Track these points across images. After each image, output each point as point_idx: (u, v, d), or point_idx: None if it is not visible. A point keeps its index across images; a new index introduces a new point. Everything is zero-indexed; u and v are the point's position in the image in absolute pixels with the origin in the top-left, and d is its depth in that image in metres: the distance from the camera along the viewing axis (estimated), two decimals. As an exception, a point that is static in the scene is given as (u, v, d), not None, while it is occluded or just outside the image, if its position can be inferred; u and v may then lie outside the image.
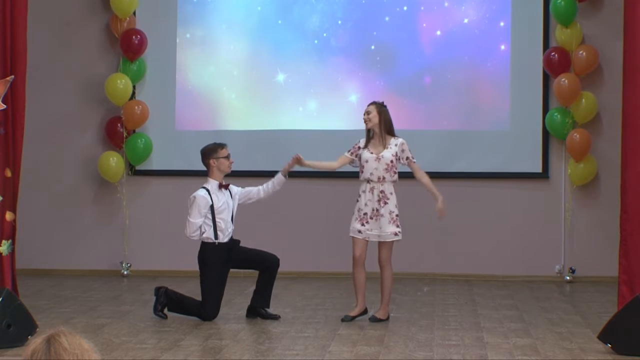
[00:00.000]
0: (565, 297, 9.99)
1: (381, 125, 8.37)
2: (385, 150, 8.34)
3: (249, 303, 8.63)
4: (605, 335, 7.10)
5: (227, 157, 8.54)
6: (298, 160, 8.53)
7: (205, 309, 8.39)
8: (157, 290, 8.65)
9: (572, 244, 11.01)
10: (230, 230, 8.48)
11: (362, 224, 8.28)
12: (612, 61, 10.56)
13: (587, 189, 11.00)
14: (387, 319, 8.42)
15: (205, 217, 8.40)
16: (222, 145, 8.57)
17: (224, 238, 8.42)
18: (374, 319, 8.35)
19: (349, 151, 8.49)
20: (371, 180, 8.31)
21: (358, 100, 11.27)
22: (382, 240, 8.31)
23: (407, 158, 8.38)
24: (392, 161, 8.32)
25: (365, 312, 8.48)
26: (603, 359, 6.92)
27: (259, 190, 8.69)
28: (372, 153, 8.34)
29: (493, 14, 11.16)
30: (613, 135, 9.75)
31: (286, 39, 11.35)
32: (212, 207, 8.40)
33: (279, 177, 8.66)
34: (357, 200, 8.35)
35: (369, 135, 8.43)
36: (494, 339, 7.64)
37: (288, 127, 11.23)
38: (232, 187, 8.60)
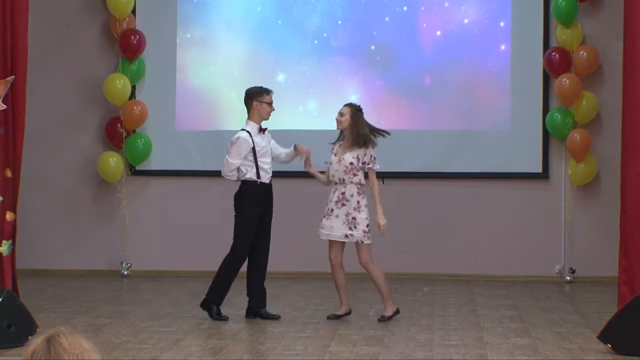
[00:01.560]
0: (565, 297, 9.99)
1: (352, 128, 8.36)
2: (348, 152, 8.34)
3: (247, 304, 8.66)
4: (605, 335, 7.10)
5: (270, 103, 8.62)
6: (307, 158, 8.61)
7: (235, 256, 8.46)
8: (206, 306, 8.57)
9: (572, 244, 11.00)
10: (270, 173, 8.56)
11: (323, 220, 8.39)
12: (612, 61, 10.55)
13: (587, 189, 11.00)
14: (397, 311, 8.42)
15: (246, 159, 8.44)
16: (268, 91, 8.68)
17: (266, 178, 8.49)
18: (384, 319, 8.35)
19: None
20: (335, 182, 8.41)
21: (358, 100, 11.21)
22: (331, 239, 8.35)
23: (364, 163, 8.38)
24: (351, 163, 8.34)
25: (349, 312, 8.49)
26: (603, 359, 6.93)
27: (280, 154, 8.78)
28: (335, 155, 8.44)
29: (493, 14, 11.15)
30: (613, 135, 9.74)
31: (286, 39, 11.35)
32: (253, 149, 8.47)
33: (292, 151, 8.72)
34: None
35: (340, 136, 8.48)
36: (494, 339, 7.64)
37: (288, 127, 11.21)
38: (268, 134, 8.70)
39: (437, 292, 10.19)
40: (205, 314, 8.57)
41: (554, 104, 10.99)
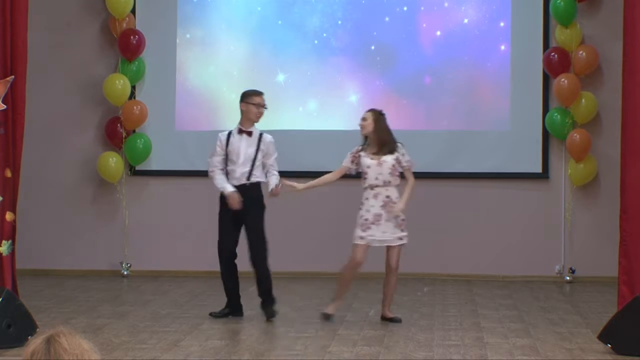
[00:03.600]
0: (565, 297, 9.99)
1: (376, 133, 8.35)
2: (387, 155, 8.33)
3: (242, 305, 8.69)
4: (605, 336, 7.10)
5: (257, 105, 8.59)
6: (291, 188, 8.47)
7: (218, 245, 8.62)
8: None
9: (572, 244, 11.00)
10: (241, 175, 8.51)
11: (364, 230, 8.26)
12: (612, 61, 10.55)
13: (587, 189, 11.00)
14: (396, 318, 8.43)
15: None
16: (257, 93, 8.67)
17: (231, 181, 8.49)
18: (395, 320, 8.36)
19: (348, 160, 8.46)
20: (376, 186, 8.28)
21: (358, 100, 11.27)
22: (388, 244, 8.30)
23: (403, 163, 8.37)
24: (393, 165, 8.31)
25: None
26: (603, 359, 6.93)
27: (269, 180, 8.66)
28: (372, 159, 8.33)
29: (493, 14, 11.15)
30: (613, 135, 9.74)
31: (286, 39, 11.35)
32: (226, 149, 8.55)
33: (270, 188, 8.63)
34: (360, 209, 8.33)
35: (366, 141, 8.43)
36: (494, 339, 7.64)
37: (288, 127, 11.22)
38: (265, 137, 8.62)
39: (437, 292, 10.19)
40: (204, 314, 8.60)
41: (553, 104, 10.99)
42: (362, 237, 8.27)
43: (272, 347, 7.37)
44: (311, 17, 11.35)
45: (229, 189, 8.47)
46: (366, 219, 8.26)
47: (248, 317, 8.59)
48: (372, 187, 8.29)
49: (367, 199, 8.29)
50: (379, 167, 8.28)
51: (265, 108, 8.68)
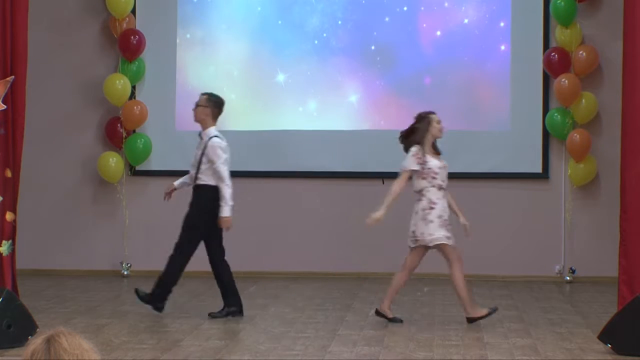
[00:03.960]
0: (565, 297, 9.99)
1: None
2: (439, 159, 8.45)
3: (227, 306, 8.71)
4: (605, 335, 7.10)
5: (195, 106, 8.86)
6: (376, 221, 8.35)
7: None
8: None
9: (572, 244, 11.00)
10: (192, 178, 8.77)
11: (448, 230, 8.32)
12: (612, 61, 10.55)
13: (587, 189, 11.00)
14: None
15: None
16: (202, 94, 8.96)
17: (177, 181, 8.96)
18: (493, 309, 8.43)
19: (413, 162, 8.33)
20: (443, 188, 8.36)
21: (358, 100, 11.27)
22: (452, 245, 8.44)
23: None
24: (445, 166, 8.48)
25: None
26: (603, 359, 6.93)
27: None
28: (439, 162, 8.41)
29: (493, 14, 11.15)
30: (613, 135, 9.74)
31: (286, 39, 11.35)
32: None
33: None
34: (432, 208, 8.26)
35: (434, 144, 8.47)
36: (494, 339, 7.64)
37: (288, 127, 11.22)
38: (211, 142, 8.63)
39: (437, 292, 10.18)
40: (204, 314, 8.60)
41: (553, 104, 10.99)
42: (449, 237, 8.33)
43: (272, 347, 7.37)
44: (311, 17, 11.34)
45: (174, 183, 8.98)
46: (445, 219, 8.31)
47: (248, 317, 8.58)
48: (440, 187, 8.34)
49: (439, 199, 8.31)
50: (444, 170, 8.40)
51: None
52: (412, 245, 8.36)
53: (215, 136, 8.61)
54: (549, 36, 11.02)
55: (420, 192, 8.28)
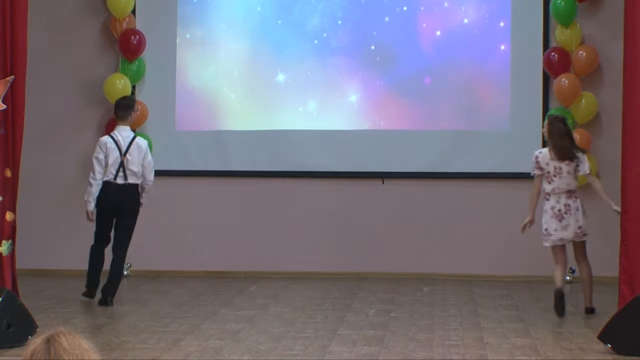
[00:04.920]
0: (565, 297, 9.96)
1: (549, 140, 8.94)
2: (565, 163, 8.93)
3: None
4: (605, 335, 7.10)
5: None
6: (528, 225, 8.99)
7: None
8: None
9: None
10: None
11: None
12: (612, 61, 10.55)
13: (587, 189, 10.98)
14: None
15: None
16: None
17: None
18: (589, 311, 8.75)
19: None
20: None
21: (358, 100, 11.27)
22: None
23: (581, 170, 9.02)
24: (568, 172, 8.95)
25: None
26: (603, 359, 6.92)
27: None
28: (567, 165, 8.98)
29: (493, 14, 11.15)
30: (613, 135, 9.74)
31: (286, 39, 11.35)
32: None
33: None
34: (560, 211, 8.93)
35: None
36: (494, 339, 7.64)
37: (288, 127, 11.23)
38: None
39: (437, 292, 10.19)
40: (204, 314, 8.59)
41: (553, 104, 10.98)
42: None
43: (272, 347, 7.36)
44: (311, 17, 11.34)
45: None
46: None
47: (248, 317, 8.59)
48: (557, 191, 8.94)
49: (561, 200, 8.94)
50: (568, 175, 8.85)
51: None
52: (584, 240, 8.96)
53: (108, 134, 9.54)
54: (549, 36, 11.02)
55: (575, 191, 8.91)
